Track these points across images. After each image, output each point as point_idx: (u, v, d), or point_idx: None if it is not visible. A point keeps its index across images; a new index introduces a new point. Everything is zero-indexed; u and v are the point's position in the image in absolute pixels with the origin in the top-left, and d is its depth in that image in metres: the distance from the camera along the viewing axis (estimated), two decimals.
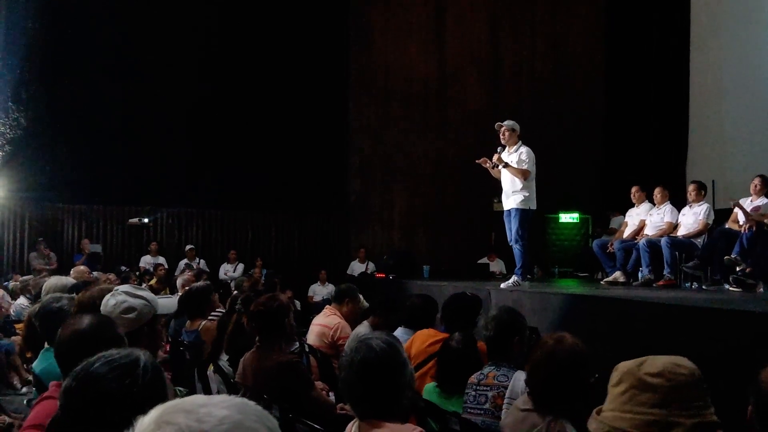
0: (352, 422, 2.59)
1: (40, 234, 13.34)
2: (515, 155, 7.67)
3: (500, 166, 7.67)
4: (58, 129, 13.33)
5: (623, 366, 1.84)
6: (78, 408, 1.71)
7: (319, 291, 13.68)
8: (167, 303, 3.58)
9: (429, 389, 4.01)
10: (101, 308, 3.11)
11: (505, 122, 7.81)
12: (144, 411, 1.21)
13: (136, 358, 1.79)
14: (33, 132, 13.26)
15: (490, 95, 15.75)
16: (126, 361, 1.77)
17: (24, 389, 7.20)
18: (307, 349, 5.51)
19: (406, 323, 5.14)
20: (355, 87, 15.55)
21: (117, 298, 3.15)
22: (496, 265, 13.54)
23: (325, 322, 5.89)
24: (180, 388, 3.89)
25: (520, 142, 7.75)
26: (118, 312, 3.07)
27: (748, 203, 7.95)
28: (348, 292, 6.19)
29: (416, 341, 4.65)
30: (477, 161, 7.96)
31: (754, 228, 7.11)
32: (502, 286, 7.62)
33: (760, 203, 7.86)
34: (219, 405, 1.19)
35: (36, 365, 3.59)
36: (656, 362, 1.80)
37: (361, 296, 6.38)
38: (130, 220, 14.16)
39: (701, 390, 1.80)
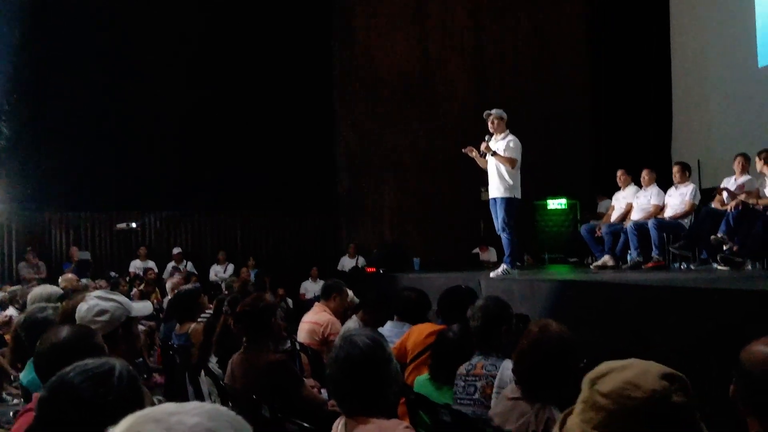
0: (339, 419, 2.59)
1: (29, 243, 13.27)
2: (503, 143, 7.66)
3: (488, 155, 7.66)
4: (42, 137, 13.23)
5: (589, 373, 1.63)
6: (53, 418, 1.69)
7: (311, 288, 13.64)
8: (142, 306, 3.59)
9: (420, 381, 4.01)
10: (76, 316, 3.12)
11: (493, 111, 7.80)
12: (119, 420, 1.20)
13: (111, 366, 1.77)
14: (17, 141, 13.18)
15: (475, 83, 15.70)
16: (100, 370, 1.76)
17: (15, 401, 7.16)
18: (298, 347, 5.51)
19: (399, 316, 5.14)
20: (339, 82, 15.50)
21: (89, 303, 3.17)
22: (488, 255, 13.56)
23: (314, 320, 5.89)
24: (159, 398, 3.87)
25: (508, 131, 7.75)
26: (91, 316, 3.10)
27: (732, 182, 8.00)
28: (334, 287, 6.18)
29: (413, 334, 4.66)
30: (463, 150, 7.96)
31: (740, 206, 7.13)
32: (492, 275, 7.62)
33: (744, 180, 7.90)
34: (190, 413, 1.17)
35: (23, 376, 3.57)
36: (611, 380, 1.56)
37: (350, 291, 6.37)
38: (118, 226, 14.11)
39: (662, 420, 1.50)
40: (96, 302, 3.16)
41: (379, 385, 2.53)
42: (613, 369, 1.59)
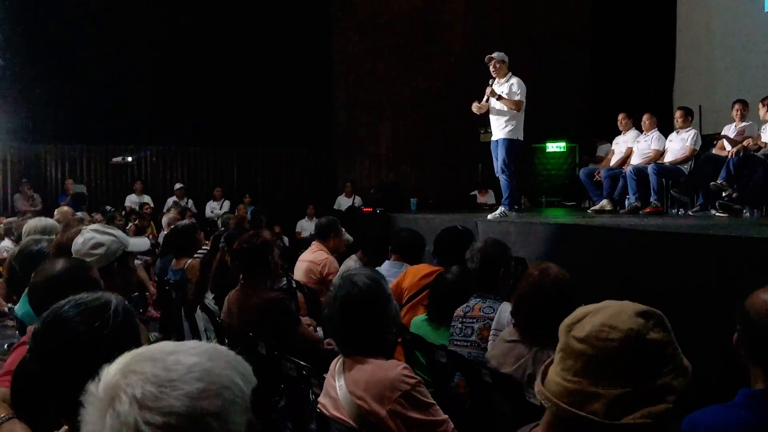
0: (337, 358, 2.58)
1: (24, 175, 13.23)
2: (506, 86, 7.59)
3: (494, 98, 7.58)
4: (38, 69, 13.05)
5: (565, 320, 1.59)
6: (46, 352, 1.67)
7: (307, 227, 13.63)
8: (139, 242, 3.55)
9: (417, 321, 4.02)
10: (72, 248, 3.09)
11: (495, 54, 7.70)
12: (114, 355, 1.17)
13: (106, 300, 1.74)
14: (12, 73, 13.00)
15: (475, 23, 15.47)
16: (96, 303, 1.72)
17: (9, 332, 7.18)
18: (294, 285, 5.51)
19: (395, 257, 5.14)
20: (338, 18, 15.25)
21: (85, 235, 3.15)
22: (486, 198, 13.53)
23: (312, 258, 5.88)
24: (155, 333, 3.88)
25: (510, 73, 7.66)
26: (86, 249, 3.07)
27: (732, 129, 7.94)
28: (331, 227, 6.15)
29: (409, 275, 4.66)
30: (473, 110, 7.85)
31: (741, 153, 7.08)
32: (489, 217, 7.61)
33: (744, 125, 7.85)
34: (188, 352, 1.14)
35: (18, 308, 3.56)
36: (587, 324, 1.51)
37: (343, 229, 6.37)
38: (114, 159, 14.05)
39: (641, 357, 1.47)
40: (92, 235, 3.13)
41: (377, 325, 2.52)
42: (588, 313, 1.54)
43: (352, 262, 5.69)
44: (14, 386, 1.96)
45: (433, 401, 2.47)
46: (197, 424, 1.07)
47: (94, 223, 8.28)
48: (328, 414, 2.49)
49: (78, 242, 3.12)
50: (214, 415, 1.08)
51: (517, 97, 7.50)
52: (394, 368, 2.43)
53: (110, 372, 1.12)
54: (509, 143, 7.55)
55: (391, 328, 2.58)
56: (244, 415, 1.13)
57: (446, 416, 2.47)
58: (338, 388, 2.45)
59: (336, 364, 2.56)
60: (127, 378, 1.09)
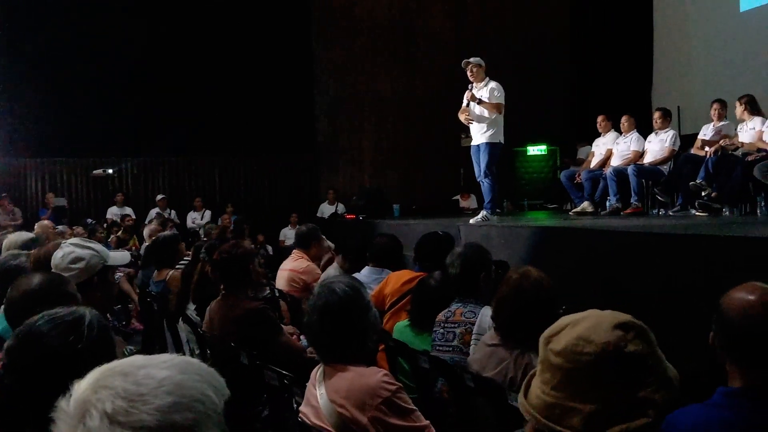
0: (318, 367, 2.58)
1: (4, 189, 13.09)
2: (485, 90, 7.60)
3: (475, 103, 7.59)
4: (16, 82, 12.98)
5: (545, 331, 1.57)
6: (20, 367, 1.66)
7: (290, 235, 13.54)
8: (119, 255, 3.53)
9: (400, 327, 4.02)
10: (51, 263, 3.07)
11: (471, 59, 7.72)
12: (89, 370, 1.16)
13: (80, 315, 1.73)
14: None
15: (456, 28, 15.55)
16: (70, 318, 1.71)
17: None
18: (277, 294, 5.50)
19: (373, 263, 5.14)
20: (318, 24, 15.25)
21: (65, 250, 3.13)
22: (468, 202, 13.58)
23: (293, 267, 5.87)
24: (130, 347, 3.85)
25: (488, 78, 7.68)
26: (66, 263, 3.06)
27: (711, 128, 8.00)
28: (311, 234, 6.15)
29: (391, 281, 4.67)
30: (460, 119, 7.85)
31: (719, 152, 7.14)
32: (471, 221, 7.61)
33: (721, 125, 7.91)
34: (159, 366, 1.14)
35: None
36: (564, 337, 1.49)
37: (323, 237, 6.36)
38: (95, 172, 13.97)
39: (619, 371, 1.43)
40: (71, 249, 3.11)
41: (357, 333, 2.51)
42: (567, 324, 1.53)
43: (333, 271, 5.69)
44: None
45: (414, 407, 2.46)
46: None
47: (75, 236, 8.26)
48: (309, 423, 2.48)
49: (57, 257, 3.11)
50: (186, 428, 1.08)
51: (496, 100, 7.52)
52: (374, 375, 2.43)
53: (81, 387, 1.11)
54: (491, 147, 7.57)
55: (371, 335, 2.58)
56: (218, 428, 1.13)
57: (428, 422, 2.47)
58: (319, 397, 2.45)
59: (316, 372, 2.56)
60: (97, 393, 1.09)
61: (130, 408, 1.06)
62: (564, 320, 1.55)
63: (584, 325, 1.49)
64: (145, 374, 1.11)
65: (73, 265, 3.06)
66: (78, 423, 1.07)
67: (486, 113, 7.56)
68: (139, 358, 1.17)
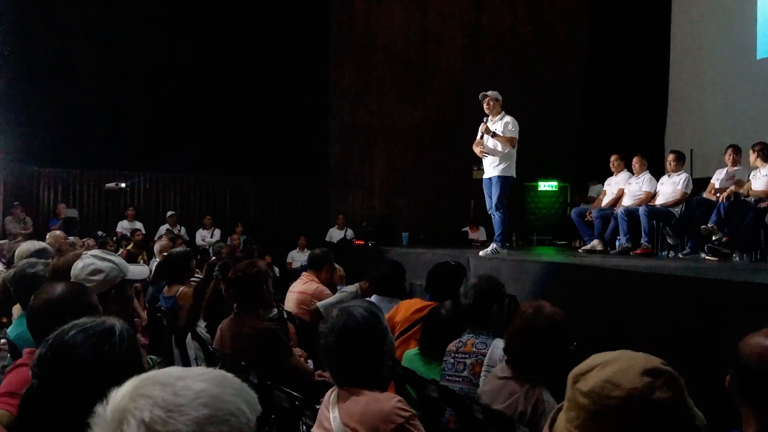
0: (331, 390, 2.59)
1: (16, 198, 13.17)
2: (500, 124, 7.66)
3: (489, 136, 7.65)
4: (34, 91, 13.10)
5: (574, 369, 1.55)
6: (54, 377, 1.68)
7: (298, 257, 13.62)
8: (138, 270, 3.56)
9: (409, 355, 4.02)
10: (71, 273, 3.10)
11: (489, 92, 7.79)
12: (120, 380, 1.19)
13: (111, 326, 1.76)
14: (7, 94, 12.98)
15: (471, 61, 15.65)
16: (101, 329, 1.74)
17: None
18: (285, 316, 5.51)
19: (378, 291, 5.16)
20: (335, 51, 15.37)
21: (85, 261, 3.16)
22: (477, 234, 13.59)
23: (303, 289, 5.88)
24: (153, 357, 3.86)
25: (503, 112, 7.74)
26: (85, 274, 3.08)
27: (724, 173, 8.03)
28: (325, 259, 6.17)
29: (401, 309, 4.68)
30: (474, 151, 7.89)
31: (731, 197, 7.16)
32: (481, 253, 7.63)
33: (734, 171, 7.94)
34: (197, 378, 1.16)
35: (11, 331, 3.54)
36: (592, 378, 1.47)
37: (340, 267, 6.38)
38: (107, 185, 14.03)
39: (644, 418, 1.41)
40: (92, 261, 3.14)
41: (374, 357, 2.53)
42: (597, 365, 1.50)
43: (353, 288, 5.71)
44: (21, 411, 1.96)
45: None
46: None
47: (85, 248, 8.30)
48: None
49: (77, 267, 3.13)
50: None
51: (510, 134, 7.58)
52: (388, 401, 2.44)
53: (119, 395, 1.14)
54: (503, 180, 7.61)
55: (386, 360, 2.60)
56: None
57: None
58: (332, 420, 2.45)
59: (330, 395, 2.57)
60: (135, 401, 1.11)
61: (167, 417, 1.09)
62: (594, 359, 1.54)
63: (614, 368, 1.47)
64: (184, 386, 1.13)
65: (92, 277, 3.08)
66: (115, 430, 1.10)
67: (499, 147, 7.61)
68: (176, 370, 1.20)
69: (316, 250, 6.48)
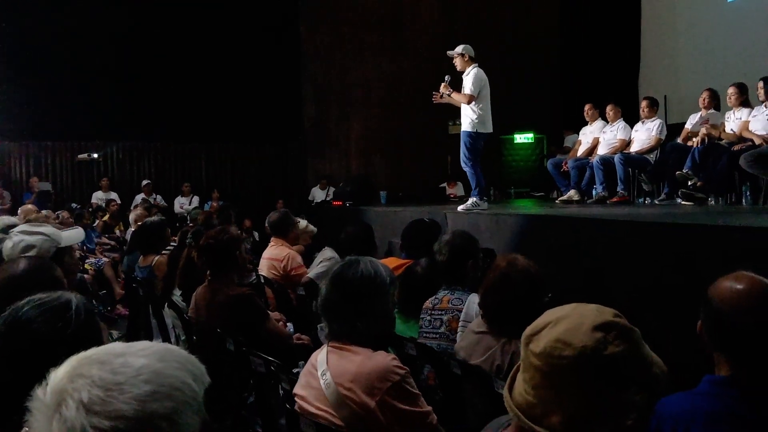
0: (319, 350, 2.53)
1: None
2: (466, 79, 7.58)
3: (447, 94, 7.58)
4: (1, 66, 12.85)
5: (527, 329, 1.51)
6: (8, 354, 1.64)
7: None
8: (73, 234, 3.45)
9: None
10: (3, 254, 3.02)
11: (453, 51, 7.68)
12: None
13: (67, 300, 1.71)
14: None
15: (444, 15, 15.50)
16: (56, 303, 1.69)
17: None
18: (262, 280, 5.49)
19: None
20: (306, 11, 15.17)
21: (14, 239, 3.08)
22: (455, 190, 13.59)
23: (273, 255, 5.82)
24: (113, 332, 3.82)
25: (473, 65, 7.61)
26: (17, 253, 2.99)
27: (698, 117, 8.01)
28: (285, 220, 6.06)
29: None
30: (433, 100, 7.83)
31: (705, 141, 7.16)
32: (459, 208, 7.60)
33: (708, 114, 7.93)
34: (137, 353, 1.12)
35: None
36: (543, 338, 1.44)
37: (304, 220, 6.31)
38: (80, 156, 13.86)
39: (598, 375, 1.39)
40: (21, 237, 3.06)
41: (377, 313, 2.49)
42: (548, 323, 1.47)
43: (329, 252, 5.67)
44: None
45: (419, 392, 2.44)
46: (147, 427, 1.05)
47: (59, 220, 8.20)
48: (308, 406, 2.44)
49: (8, 247, 3.05)
50: (164, 417, 1.06)
51: (467, 90, 7.49)
52: (384, 359, 2.40)
53: (57, 376, 1.09)
54: (467, 135, 7.53)
55: (387, 321, 2.58)
56: (197, 416, 1.11)
57: (430, 407, 2.45)
58: (321, 379, 2.40)
59: (318, 354, 2.51)
60: (73, 382, 1.06)
61: (106, 397, 1.04)
62: (545, 317, 1.50)
63: (564, 326, 1.44)
64: (123, 362, 1.09)
65: (25, 254, 2.98)
66: (54, 412, 1.05)
67: (462, 104, 7.55)
68: (117, 346, 1.15)
69: (272, 216, 6.20)
